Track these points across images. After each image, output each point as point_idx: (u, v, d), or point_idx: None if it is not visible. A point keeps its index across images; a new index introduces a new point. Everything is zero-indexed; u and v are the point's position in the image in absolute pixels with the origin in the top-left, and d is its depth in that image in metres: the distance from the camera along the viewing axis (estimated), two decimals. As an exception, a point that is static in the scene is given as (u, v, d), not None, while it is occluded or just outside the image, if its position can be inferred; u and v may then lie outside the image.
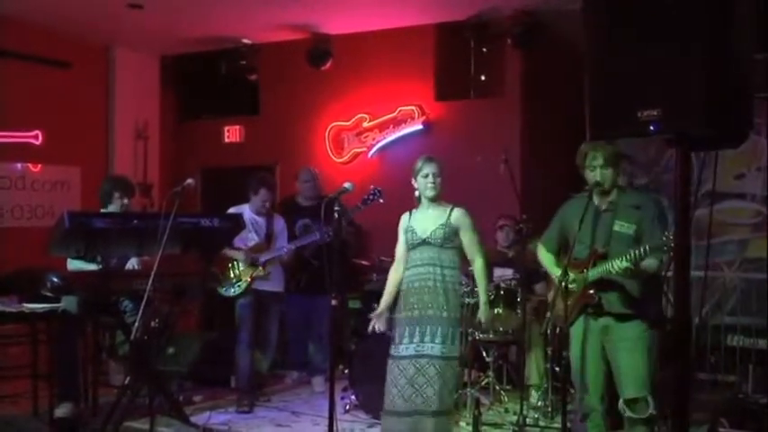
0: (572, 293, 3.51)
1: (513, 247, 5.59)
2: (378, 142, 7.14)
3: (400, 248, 4.07)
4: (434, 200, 3.98)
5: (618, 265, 3.32)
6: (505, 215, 5.68)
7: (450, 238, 3.91)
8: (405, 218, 4.08)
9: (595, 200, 3.58)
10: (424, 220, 3.98)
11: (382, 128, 7.12)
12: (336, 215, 4.41)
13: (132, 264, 4.78)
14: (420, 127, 6.96)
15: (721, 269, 6.24)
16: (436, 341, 3.83)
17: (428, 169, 3.95)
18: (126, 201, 4.79)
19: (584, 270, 3.47)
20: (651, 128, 2.04)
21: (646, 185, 6.12)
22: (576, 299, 3.52)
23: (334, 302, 4.04)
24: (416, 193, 4.04)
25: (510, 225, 5.61)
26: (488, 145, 6.30)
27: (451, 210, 3.96)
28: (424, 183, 3.95)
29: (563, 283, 3.46)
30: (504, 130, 6.49)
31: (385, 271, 4.80)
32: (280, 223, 5.59)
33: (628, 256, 3.29)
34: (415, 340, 3.86)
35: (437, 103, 7.00)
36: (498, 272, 5.51)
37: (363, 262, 5.91)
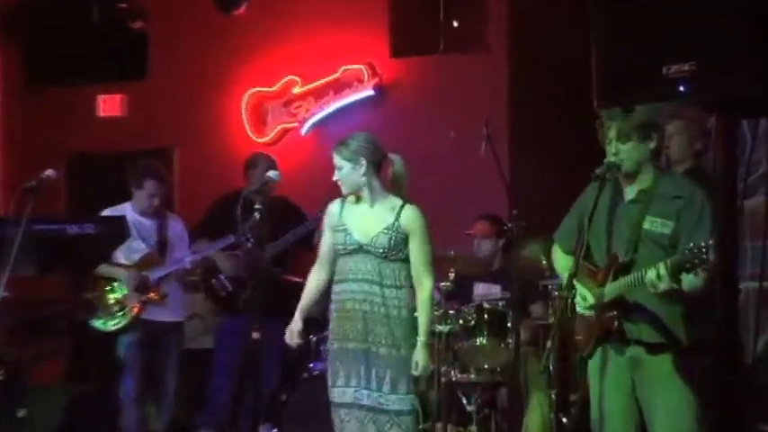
0: (586, 316, 3.52)
1: (499, 255, 5.63)
2: (313, 115, 7.10)
3: (324, 248, 4.16)
4: (375, 191, 4.04)
5: (651, 276, 3.20)
6: (484, 216, 5.68)
7: (398, 246, 3.97)
8: (334, 210, 4.13)
9: (623, 186, 3.55)
10: (365, 219, 4.05)
11: (319, 95, 7.08)
12: (258, 214, 4.39)
13: None
14: (370, 93, 6.95)
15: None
16: (372, 386, 3.91)
17: (334, 160, 4.04)
18: None
19: (605, 283, 3.45)
20: (681, 88, 2.04)
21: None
22: (591, 324, 3.54)
23: (255, 335, 4.00)
24: None
25: (479, 235, 5.63)
26: (464, 116, 6.30)
27: (402, 208, 4.00)
28: None
29: (567, 300, 3.45)
30: (485, 96, 6.51)
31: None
32: (177, 226, 5.56)
33: (664, 268, 3.17)
34: (352, 384, 3.96)
35: (393, 61, 7.00)
36: (480, 289, 5.53)
37: (295, 278, 5.86)
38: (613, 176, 3.52)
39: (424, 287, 4.00)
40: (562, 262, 3.75)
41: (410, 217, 3.98)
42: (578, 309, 3.55)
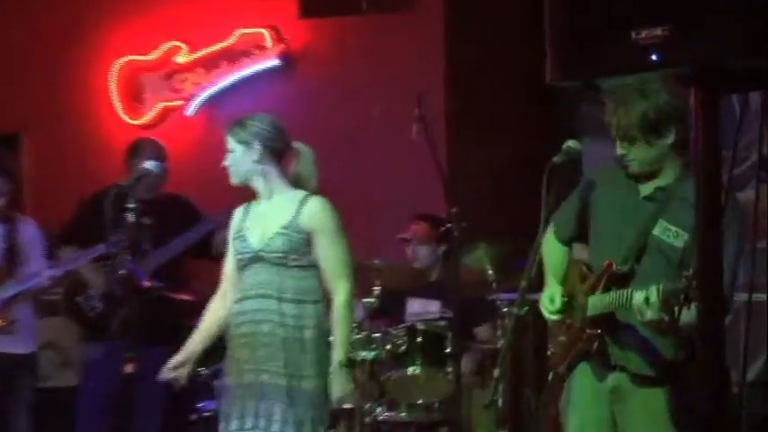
0: (566, 327, 3.56)
1: (439, 264, 5.66)
2: (202, 90, 7.09)
3: (229, 265, 4.23)
4: (273, 182, 4.10)
5: (638, 300, 3.22)
6: (422, 216, 5.70)
7: (297, 248, 4.01)
8: (237, 216, 4.22)
9: (639, 182, 3.54)
10: (262, 219, 4.11)
11: (210, 66, 7.07)
12: (132, 216, 4.35)
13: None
14: (274, 63, 6.94)
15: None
16: (273, 429, 3.91)
17: (227, 143, 4.13)
18: None
19: (593, 293, 3.49)
20: (653, 57, 2.07)
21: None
22: (569, 337, 3.57)
23: (130, 367, 3.95)
24: None
25: (416, 240, 5.65)
26: (391, 91, 6.33)
27: (304, 200, 4.05)
28: None
29: (527, 307, 3.48)
30: (417, 67, 6.54)
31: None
32: (29, 231, 5.49)
33: (655, 294, 3.17)
34: (248, 425, 3.95)
35: (303, 23, 6.98)
36: (416, 306, 5.57)
37: (185, 296, 5.81)
38: (573, 165, 3.56)
39: (340, 292, 4.03)
40: (551, 251, 3.72)
41: (314, 210, 4.03)
42: (544, 313, 3.59)
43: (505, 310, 5.10)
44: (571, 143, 3.47)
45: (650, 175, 3.48)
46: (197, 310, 5.92)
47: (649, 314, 3.20)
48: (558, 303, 3.55)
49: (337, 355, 4.00)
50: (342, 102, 6.58)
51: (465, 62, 6.72)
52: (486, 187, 6.10)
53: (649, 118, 3.33)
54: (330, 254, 4.03)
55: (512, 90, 6.28)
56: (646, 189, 3.50)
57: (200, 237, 5.39)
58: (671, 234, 3.40)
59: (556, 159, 3.44)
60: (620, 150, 3.44)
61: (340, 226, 4.07)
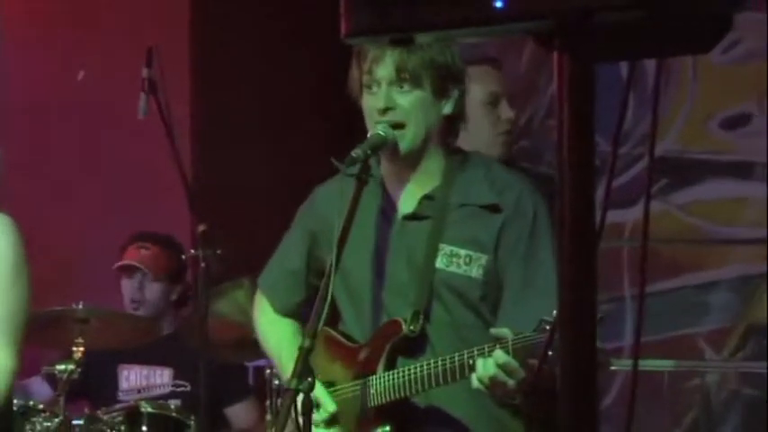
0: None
1: (171, 311, 5.80)
2: None
3: None
4: None
5: (487, 370, 3.33)
6: (143, 236, 5.77)
7: None
8: None
9: (390, 187, 3.69)
10: None
11: None
12: None
13: None
14: None
15: (698, 356, 6.44)
16: None
17: None
18: None
19: (370, 373, 3.64)
20: (497, 4, 2.06)
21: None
22: None
23: None
24: None
25: (142, 266, 5.71)
26: (103, 40, 6.35)
27: None
28: None
29: (297, 399, 3.47)
30: (145, 3, 6.56)
31: None
32: None
33: (503, 355, 3.31)
34: None
35: None
36: (132, 377, 5.64)
37: None
38: (376, 167, 3.65)
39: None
40: (273, 329, 3.97)
41: None
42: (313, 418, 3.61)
43: (277, 382, 5.11)
44: (381, 129, 3.58)
45: (412, 168, 3.66)
46: None
47: (512, 382, 3.31)
48: (329, 405, 3.66)
49: None
50: (25, 58, 6.50)
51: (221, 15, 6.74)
52: (250, 197, 6.14)
53: (444, 64, 3.59)
54: None
55: (286, 49, 6.35)
56: (407, 200, 3.70)
57: None
58: (460, 260, 3.62)
59: (357, 152, 3.51)
60: (382, 103, 3.57)
61: (22, 264, 4.05)
